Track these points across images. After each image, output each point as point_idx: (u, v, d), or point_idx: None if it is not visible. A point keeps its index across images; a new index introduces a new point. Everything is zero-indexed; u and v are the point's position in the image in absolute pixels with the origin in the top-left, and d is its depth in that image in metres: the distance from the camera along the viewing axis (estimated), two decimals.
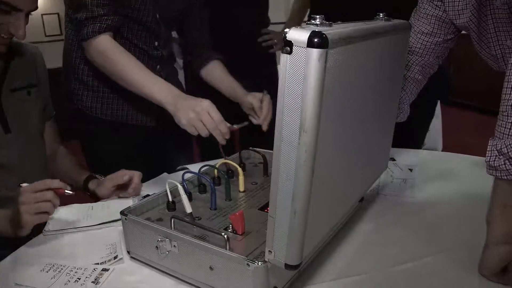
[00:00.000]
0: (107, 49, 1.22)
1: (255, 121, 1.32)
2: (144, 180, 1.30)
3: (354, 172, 0.84)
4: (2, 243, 1.03)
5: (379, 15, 0.90)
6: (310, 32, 0.53)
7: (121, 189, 1.25)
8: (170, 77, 1.47)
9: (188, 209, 0.92)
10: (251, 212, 0.96)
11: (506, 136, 0.77)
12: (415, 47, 1.19)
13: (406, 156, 1.50)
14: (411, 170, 1.38)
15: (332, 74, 0.57)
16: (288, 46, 0.54)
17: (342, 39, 0.58)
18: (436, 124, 3.69)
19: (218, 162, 1.11)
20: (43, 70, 1.35)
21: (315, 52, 0.53)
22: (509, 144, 0.75)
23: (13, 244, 1.03)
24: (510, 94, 0.78)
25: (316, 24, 0.59)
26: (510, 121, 0.76)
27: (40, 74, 1.33)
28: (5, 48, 1.16)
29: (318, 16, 0.60)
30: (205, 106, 1.11)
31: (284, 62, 0.55)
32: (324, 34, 0.53)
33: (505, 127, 0.78)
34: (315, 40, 0.53)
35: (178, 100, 1.15)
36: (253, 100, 1.33)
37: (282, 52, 0.55)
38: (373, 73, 0.79)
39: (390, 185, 1.28)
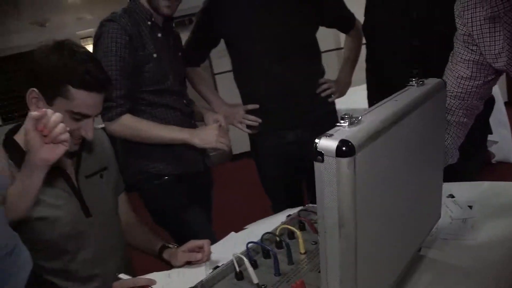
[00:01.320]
0: (130, 123, 1.65)
1: None
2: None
3: (402, 236, 0.89)
4: None
5: (412, 80, 0.95)
6: (338, 143, 0.60)
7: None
8: None
9: (255, 280, 1.00)
10: (312, 276, 1.02)
11: None
12: (457, 91, 1.22)
13: (466, 191, 1.48)
14: (470, 207, 1.37)
15: (364, 171, 0.64)
16: (319, 155, 0.62)
17: (370, 138, 0.65)
18: (505, 134, 3.55)
19: (278, 227, 1.18)
20: (110, 151, 1.51)
21: (344, 161, 0.60)
22: None
23: None
24: None
25: (345, 126, 0.66)
26: None
27: (108, 156, 1.49)
28: (79, 146, 1.33)
29: (346, 115, 0.67)
30: (214, 124, 1.67)
31: (318, 169, 0.63)
32: (350, 142, 0.60)
33: None
34: (343, 149, 0.60)
35: (196, 133, 1.67)
36: (208, 116, 1.86)
37: (315, 161, 0.62)
38: (409, 145, 0.84)
39: (449, 226, 1.28)
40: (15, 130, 1.32)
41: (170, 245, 1.43)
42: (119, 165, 1.58)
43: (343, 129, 0.65)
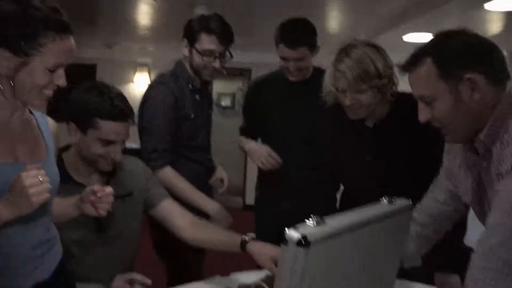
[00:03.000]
0: (170, 177, 1.94)
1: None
2: None
3: None
4: None
5: (384, 197, 1.19)
6: (300, 236, 0.85)
7: None
8: None
9: None
10: None
11: None
12: (431, 211, 1.45)
13: None
14: None
15: (315, 260, 0.88)
16: (286, 240, 0.86)
17: (324, 238, 0.89)
18: None
19: (255, 283, 1.41)
20: (142, 179, 1.73)
21: (300, 249, 0.84)
22: None
23: None
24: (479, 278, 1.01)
25: (311, 224, 0.91)
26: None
27: (137, 182, 1.71)
28: (111, 167, 1.61)
29: (315, 218, 0.92)
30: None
31: (284, 249, 0.87)
32: (308, 238, 0.85)
33: None
34: (302, 242, 0.85)
35: (221, 209, 1.96)
36: (217, 171, 2.24)
37: (282, 243, 0.87)
38: (364, 250, 1.07)
39: None
40: (65, 149, 1.63)
41: (247, 238, 1.56)
42: None
43: (309, 226, 0.90)
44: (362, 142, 1.78)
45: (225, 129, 5.27)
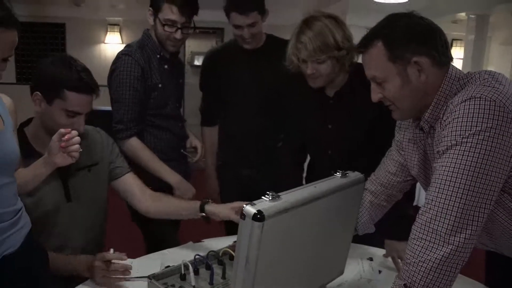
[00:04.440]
0: (135, 148, 2.02)
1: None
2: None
3: (299, 280, 1.24)
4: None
5: (338, 172, 1.31)
6: (255, 211, 0.96)
7: None
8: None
9: (193, 283, 1.35)
10: None
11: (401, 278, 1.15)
12: (383, 181, 1.57)
13: (383, 258, 1.83)
14: (380, 272, 1.72)
15: (270, 232, 0.99)
16: (243, 216, 0.97)
17: (278, 212, 1.01)
18: None
19: (222, 249, 1.54)
20: (106, 148, 1.80)
21: (256, 224, 0.96)
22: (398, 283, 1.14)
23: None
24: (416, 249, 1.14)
25: (267, 200, 1.01)
26: (405, 268, 1.14)
27: (102, 152, 1.78)
28: None
29: (270, 193, 1.03)
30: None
31: (241, 223, 0.98)
32: (263, 213, 0.96)
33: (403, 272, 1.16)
34: (257, 216, 0.96)
35: (182, 181, 2.07)
36: (190, 140, 2.30)
37: (241, 218, 0.98)
38: (318, 220, 1.19)
39: (356, 283, 1.62)
40: (27, 123, 1.67)
41: (209, 200, 1.70)
42: None
43: (264, 202, 1.01)
44: (323, 110, 1.91)
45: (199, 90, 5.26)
